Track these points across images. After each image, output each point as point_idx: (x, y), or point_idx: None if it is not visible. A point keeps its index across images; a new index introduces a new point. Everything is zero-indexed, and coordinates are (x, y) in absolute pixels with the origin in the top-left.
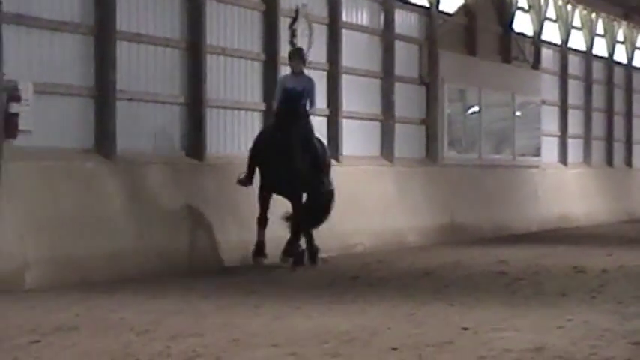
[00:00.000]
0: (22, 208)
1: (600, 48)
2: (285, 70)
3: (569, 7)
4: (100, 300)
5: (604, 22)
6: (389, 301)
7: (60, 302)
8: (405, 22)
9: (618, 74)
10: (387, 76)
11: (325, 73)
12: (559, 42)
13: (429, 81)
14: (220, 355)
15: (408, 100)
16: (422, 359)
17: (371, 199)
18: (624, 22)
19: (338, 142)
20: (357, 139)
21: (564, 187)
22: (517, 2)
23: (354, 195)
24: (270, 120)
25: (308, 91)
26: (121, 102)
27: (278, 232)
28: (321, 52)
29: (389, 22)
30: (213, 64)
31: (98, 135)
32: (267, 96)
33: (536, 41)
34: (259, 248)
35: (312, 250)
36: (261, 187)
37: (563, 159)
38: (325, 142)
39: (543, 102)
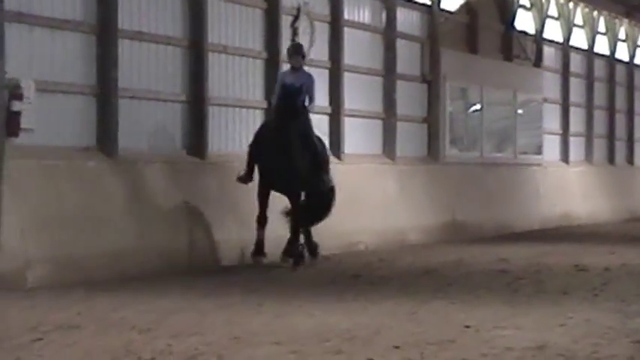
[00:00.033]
0: (23, 207)
1: (602, 46)
2: (286, 68)
3: (570, 4)
4: (102, 299)
5: (606, 20)
6: (390, 299)
7: (61, 301)
8: (406, 20)
9: (620, 72)
10: (389, 74)
11: (327, 71)
12: (561, 40)
13: (430, 79)
14: (222, 353)
15: (409, 98)
16: (423, 358)
17: (372, 198)
18: (626, 20)
19: (340, 140)
20: (358, 137)
21: (566, 185)
22: (519, 0)
23: (355, 193)
24: (270, 115)
25: (307, 87)
26: (123, 100)
27: (278, 231)
28: (322, 50)
29: (391, 20)
30: (214, 62)
31: (100, 133)
32: (268, 94)
33: (538, 39)
34: (259, 248)
35: (312, 245)
36: (260, 184)
37: (564, 157)
38: (326, 139)
39: (545, 100)
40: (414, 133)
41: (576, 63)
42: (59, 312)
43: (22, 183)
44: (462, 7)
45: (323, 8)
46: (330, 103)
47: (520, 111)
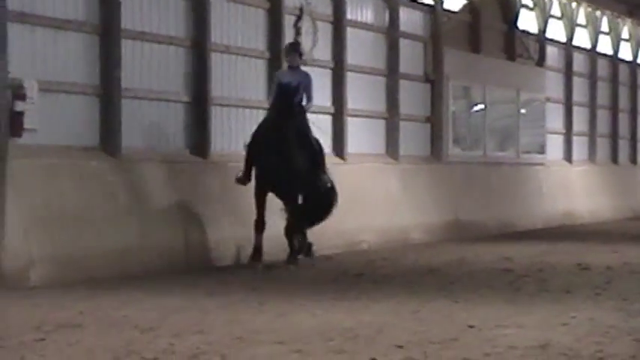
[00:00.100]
0: (26, 206)
1: (605, 45)
2: (284, 67)
3: (573, 4)
4: (104, 298)
5: (609, 20)
6: (393, 298)
7: (64, 300)
8: (409, 19)
9: (623, 71)
10: (392, 73)
11: (330, 70)
12: (564, 39)
13: (433, 78)
14: (224, 352)
15: (412, 97)
16: (427, 356)
17: (376, 197)
18: (629, 20)
19: (343, 139)
20: (361, 136)
21: (569, 184)
22: (521, 0)
23: (358, 192)
24: (268, 115)
25: (304, 86)
26: (126, 100)
27: (279, 230)
28: (325, 50)
29: (393, 19)
30: (217, 62)
31: (103, 133)
32: (271, 94)
33: (541, 38)
34: (256, 253)
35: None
36: (257, 186)
37: (567, 156)
38: (329, 138)
39: (548, 99)
40: (416, 132)
41: (579, 62)
42: (61, 311)
43: (25, 183)
44: (464, 6)
45: (325, 8)
46: (333, 103)
47: (523, 110)
